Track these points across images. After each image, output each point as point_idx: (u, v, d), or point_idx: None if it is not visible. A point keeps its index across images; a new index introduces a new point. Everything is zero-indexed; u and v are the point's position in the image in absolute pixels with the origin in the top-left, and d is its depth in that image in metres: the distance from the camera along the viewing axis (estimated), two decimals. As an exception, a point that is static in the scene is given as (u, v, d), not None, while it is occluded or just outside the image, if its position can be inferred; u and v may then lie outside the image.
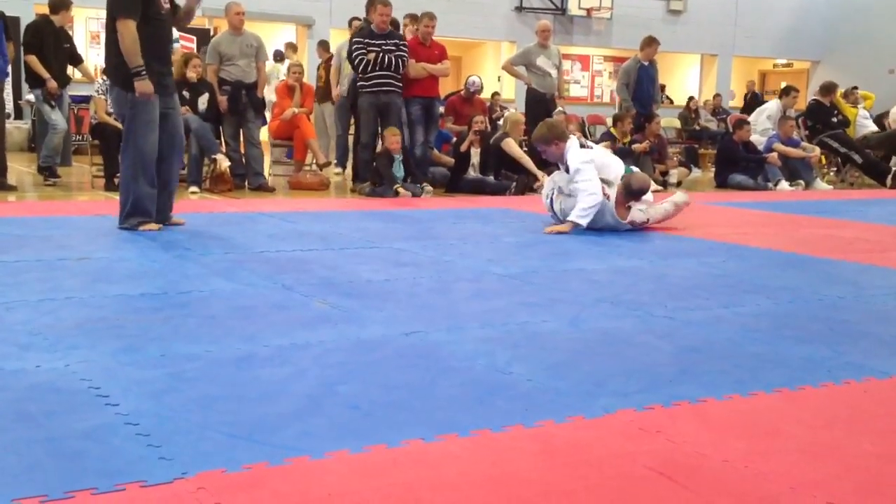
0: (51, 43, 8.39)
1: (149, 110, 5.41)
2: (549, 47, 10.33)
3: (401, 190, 8.01)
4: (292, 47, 13.84)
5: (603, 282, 4.34)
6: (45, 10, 8.63)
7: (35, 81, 8.44)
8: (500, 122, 10.30)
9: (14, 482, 1.86)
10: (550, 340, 3.17)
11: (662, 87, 18.57)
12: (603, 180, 6.03)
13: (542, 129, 6.63)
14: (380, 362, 2.83)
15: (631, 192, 6.00)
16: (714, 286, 4.33)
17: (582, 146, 6.39)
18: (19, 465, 1.95)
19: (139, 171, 5.43)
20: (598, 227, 6.02)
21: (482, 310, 3.61)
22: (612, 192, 6.00)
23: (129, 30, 5.25)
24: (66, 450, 2.03)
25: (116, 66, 5.38)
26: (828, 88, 11.97)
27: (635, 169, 6.54)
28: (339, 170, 10.34)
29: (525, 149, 9.08)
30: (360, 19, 10.45)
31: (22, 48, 8.54)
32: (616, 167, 6.27)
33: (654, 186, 9.77)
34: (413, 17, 9.50)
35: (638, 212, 6.14)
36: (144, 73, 5.28)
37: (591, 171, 6.04)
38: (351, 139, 10.04)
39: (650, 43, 10.75)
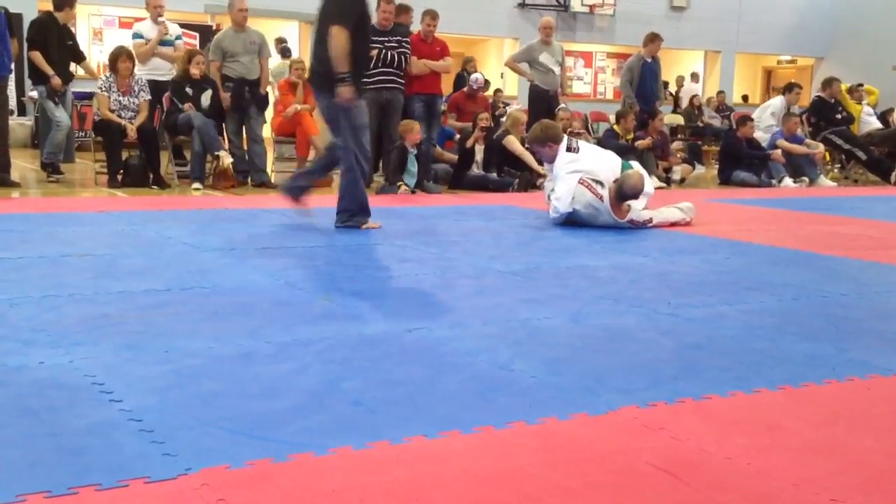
0: (55, 40, 8.39)
1: (364, 113, 5.63)
2: (552, 44, 10.32)
3: (402, 186, 7.99)
4: (281, 41, 13.80)
5: (605, 278, 4.34)
6: (49, 7, 8.63)
7: (39, 78, 8.45)
8: (503, 118, 10.30)
9: (18, 478, 1.86)
10: (553, 337, 3.17)
11: (665, 84, 18.57)
12: (596, 181, 6.03)
13: (537, 129, 6.67)
14: (382, 359, 2.83)
15: (623, 196, 5.99)
16: (717, 283, 4.32)
17: (569, 149, 6.35)
18: (23, 460, 1.95)
19: (360, 173, 5.65)
20: (597, 225, 6.04)
21: (484, 306, 3.61)
22: (605, 192, 6.00)
23: (342, 36, 5.38)
24: (69, 446, 2.04)
25: (326, 73, 5.48)
26: (827, 83, 11.99)
27: (634, 164, 6.51)
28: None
29: (527, 146, 9.08)
30: None
31: (26, 45, 8.55)
32: (609, 166, 6.22)
33: (657, 184, 9.83)
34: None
35: (639, 211, 6.14)
36: (349, 79, 5.41)
37: (568, 184, 6.09)
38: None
39: (653, 39, 10.75)
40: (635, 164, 6.54)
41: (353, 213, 5.72)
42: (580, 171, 6.12)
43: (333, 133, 5.73)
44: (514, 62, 10.66)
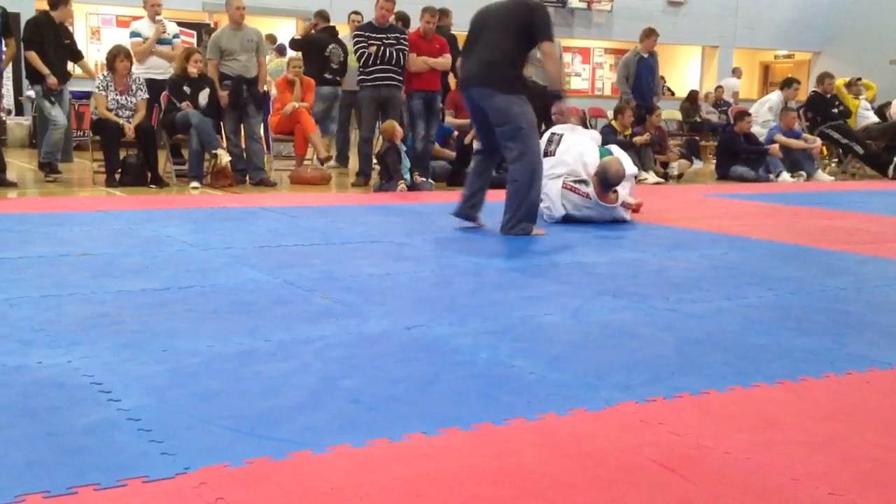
0: (51, 39, 8.37)
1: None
2: (551, 40, 10.30)
3: (401, 184, 7.98)
4: (271, 39, 13.86)
5: (604, 274, 4.34)
6: (46, 6, 8.61)
7: (35, 77, 8.44)
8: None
9: (17, 477, 1.86)
10: (552, 333, 3.18)
11: (662, 79, 18.53)
12: (579, 181, 6.03)
13: None
14: (382, 356, 2.83)
15: (608, 185, 6.00)
16: (716, 278, 4.32)
17: (546, 154, 6.30)
18: (22, 460, 1.95)
19: (535, 178, 5.57)
20: (594, 219, 6.06)
21: (484, 303, 3.61)
22: (591, 189, 6.01)
23: (556, 51, 5.52)
24: (68, 445, 2.04)
25: (511, 74, 5.57)
26: (820, 79, 12.03)
27: (612, 148, 6.46)
28: (334, 163, 10.23)
29: None
30: (359, 13, 10.46)
31: (22, 44, 8.53)
32: (586, 161, 6.14)
33: (655, 179, 9.84)
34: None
35: (626, 194, 6.20)
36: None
37: (553, 190, 6.13)
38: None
39: (649, 35, 10.74)
40: (613, 149, 6.51)
41: (521, 218, 5.53)
42: (561, 174, 6.11)
43: (498, 135, 5.55)
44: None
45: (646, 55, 10.72)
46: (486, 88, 5.53)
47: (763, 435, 2.22)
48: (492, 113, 5.56)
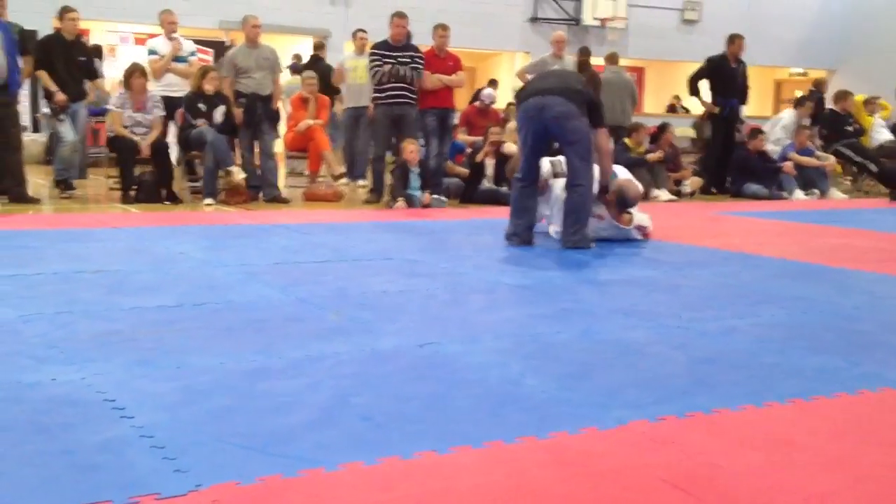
0: (61, 56, 8.41)
1: None
2: (564, 58, 10.35)
3: (399, 202, 7.97)
4: (296, 58, 13.97)
5: (616, 292, 4.33)
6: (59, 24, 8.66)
7: (47, 95, 8.51)
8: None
9: (30, 495, 1.87)
10: (564, 351, 3.18)
11: (677, 98, 18.54)
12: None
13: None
14: (393, 374, 2.84)
15: (626, 205, 6.00)
16: (728, 296, 4.31)
17: (556, 175, 6.28)
18: (36, 477, 1.96)
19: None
20: (605, 238, 6.06)
21: (495, 321, 3.62)
22: (602, 210, 6.01)
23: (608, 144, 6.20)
24: (81, 462, 2.05)
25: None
26: (839, 96, 12.03)
27: (619, 172, 6.38)
28: (346, 180, 10.24)
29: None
30: (364, 31, 10.54)
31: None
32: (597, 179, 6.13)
33: (668, 196, 9.83)
34: None
35: (646, 217, 6.17)
36: None
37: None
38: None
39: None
40: (619, 170, 6.41)
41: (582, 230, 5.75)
42: None
43: (570, 152, 5.71)
44: (526, 74, 10.69)
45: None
46: (571, 105, 5.65)
47: (775, 454, 2.22)
48: (568, 130, 5.67)
